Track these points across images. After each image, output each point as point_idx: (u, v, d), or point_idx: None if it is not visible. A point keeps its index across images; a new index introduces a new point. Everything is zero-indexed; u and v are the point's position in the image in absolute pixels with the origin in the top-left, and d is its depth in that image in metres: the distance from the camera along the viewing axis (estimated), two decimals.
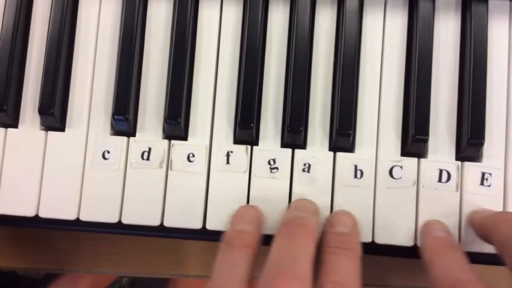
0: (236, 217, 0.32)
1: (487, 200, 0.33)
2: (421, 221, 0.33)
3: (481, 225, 0.31)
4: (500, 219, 0.30)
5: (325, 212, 0.33)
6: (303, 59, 0.33)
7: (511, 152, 0.33)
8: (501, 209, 0.33)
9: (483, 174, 0.33)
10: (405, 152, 0.34)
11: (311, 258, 0.28)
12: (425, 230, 0.32)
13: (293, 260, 0.27)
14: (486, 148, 0.33)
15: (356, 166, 0.33)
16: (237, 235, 0.30)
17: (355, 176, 0.33)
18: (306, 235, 0.29)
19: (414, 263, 0.32)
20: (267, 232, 0.32)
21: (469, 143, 0.33)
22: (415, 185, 0.33)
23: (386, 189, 0.33)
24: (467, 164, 0.33)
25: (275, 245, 0.29)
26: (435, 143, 0.34)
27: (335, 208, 0.33)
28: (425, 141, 0.33)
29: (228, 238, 0.30)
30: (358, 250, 0.30)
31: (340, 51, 0.34)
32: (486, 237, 0.30)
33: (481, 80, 0.33)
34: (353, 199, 0.33)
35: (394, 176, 0.33)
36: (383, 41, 0.34)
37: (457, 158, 0.34)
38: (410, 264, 0.37)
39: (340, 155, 0.33)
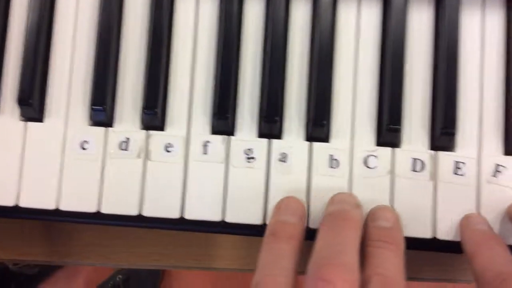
0: (279, 208, 0.32)
1: (461, 189, 0.33)
2: (396, 210, 0.33)
3: None
4: None
5: (305, 199, 0.33)
6: (279, 50, 0.34)
7: (485, 141, 0.34)
8: (473, 198, 0.33)
9: (457, 163, 0.34)
10: (380, 142, 0.34)
11: (356, 249, 0.28)
12: (464, 223, 0.33)
13: (339, 250, 0.28)
14: (460, 138, 0.34)
15: (331, 156, 0.34)
16: (281, 226, 0.31)
17: (331, 166, 0.34)
18: (350, 227, 0.29)
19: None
20: (245, 221, 0.33)
21: (442, 132, 0.33)
22: (390, 175, 0.34)
23: (361, 178, 0.34)
24: (440, 153, 0.34)
25: (320, 238, 0.29)
26: (409, 133, 0.34)
27: (312, 197, 0.34)
28: (398, 130, 0.33)
29: (272, 228, 0.30)
30: (402, 245, 0.30)
31: (315, 42, 0.34)
32: None
33: (453, 70, 0.33)
34: (329, 188, 0.33)
35: (369, 166, 0.34)
36: (358, 33, 0.35)
37: (431, 148, 0.34)
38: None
39: (316, 145, 0.34)
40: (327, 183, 0.34)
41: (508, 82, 0.34)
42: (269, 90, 0.33)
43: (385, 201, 0.33)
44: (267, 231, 0.30)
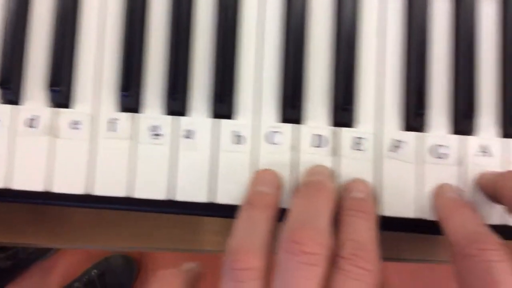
0: (256, 179, 0.33)
1: (361, 164, 0.34)
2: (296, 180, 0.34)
3: (491, 185, 0.32)
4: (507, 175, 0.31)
5: (205, 176, 0.34)
6: (183, 23, 0.35)
7: (385, 117, 0.35)
8: (370, 174, 0.34)
9: (357, 138, 0.35)
10: (283, 119, 0.35)
11: (329, 217, 0.29)
12: (437, 191, 0.33)
13: (312, 216, 0.29)
14: (360, 114, 0.35)
15: (236, 132, 0.35)
16: (258, 195, 0.32)
17: (236, 142, 0.35)
18: (323, 197, 0.30)
19: None
20: (152, 197, 0.34)
21: (342, 108, 0.34)
22: (293, 151, 0.35)
23: (265, 154, 0.35)
24: (342, 129, 0.35)
25: (294, 206, 0.30)
26: (312, 110, 0.35)
27: (219, 173, 0.34)
28: (298, 107, 0.34)
29: (249, 198, 0.31)
30: (374, 214, 0.31)
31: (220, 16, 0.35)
32: (495, 197, 0.32)
33: (352, 49, 0.34)
34: (234, 164, 0.34)
35: (273, 142, 0.35)
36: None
37: (334, 124, 0.35)
38: None
39: (221, 121, 0.35)
40: (232, 159, 0.34)
41: (409, 59, 0.35)
42: (174, 67, 0.34)
43: (286, 175, 0.34)
44: (244, 201, 0.31)
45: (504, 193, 0.30)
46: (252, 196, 0.32)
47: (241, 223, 0.30)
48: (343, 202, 0.32)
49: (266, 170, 0.34)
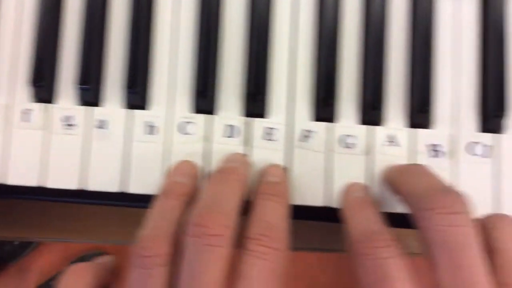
0: (172, 170, 0.34)
1: (271, 153, 0.35)
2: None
3: (390, 179, 0.33)
4: (404, 169, 0.32)
5: (118, 166, 0.35)
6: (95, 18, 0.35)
7: (297, 108, 0.35)
8: (281, 163, 0.35)
9: (268, 129, 0.35)
10: (197, 110, 0.35)
11: (237, 199, 0.30)
12: (345, 191, 0.34)
13: (218, 200, 0.29)
14: (272, 105, 0.35)
15: (149, 123, 0.35)
16: (173, 185, 0.32)
17: (149, 132, 0.35)
18: (232, 180, 0.31)
19: None
20: (64, 186, 0.35)
21: (254, 98, 0.35)
22: (205, 141, 0.35)
23: (178, 144, 0.35)
24: (254, 119, 0.35)
25: (205, 191, 0.30)
26: (225, 101, 0.35)
27: (133, 163, 0.35)
28: (210, 97, 0.35)
29: (164, 188, 0.32)
30: (287, 198, 0.32)
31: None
32: (394, 191, 0.32)
33: (263, 39, 0.35)
34: (147, 154, 0.35)
35: (186, 132, 0.35)
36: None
37: (246, 115, 0.35)
38: None
39: (134, 112, 0.35)
40: (145, 149, 0.35)
41: (319, 50, 0.35)
42: (84, 57, 0.35)
43: (200, 167, 0.35)
44: (159, 191, 0.32)
45: (400, 188, 0.31)
46: (167, 186, 0.32)
47: (153, 212, 0.30)
48: (257, 187, 0.32)
49: (184, 161, 0.34)
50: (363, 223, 0.29)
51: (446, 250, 0.25)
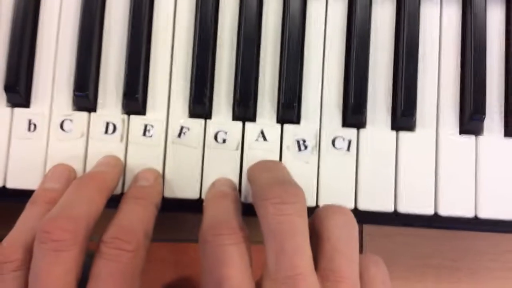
0: (46, 175, 0.35)
1: (149, 149, 0.36)
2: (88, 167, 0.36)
3: (248, 174, 0.34)
4: (257, 165, 0.33)
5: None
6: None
7: (174, 105, 0.37)
8: (159, 159, 0.36)
9: (146, 125, 0.37)
10: (77, 107, 0.37)
11: (90, 205, 0.30)
12: (211, 185, 0.35)
13: (69, 204, 0.30)
14: (150, 103, 0.37)
15: (30, 120, 0.36)
16: (41, 192, 0.33)
17: (28, 130, 0.36)
18: (91, 185, 0.32)
19: None
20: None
21: (129, 97, 0.36)
22: (83, 137, 0.36)
23: (57, 141, 0.36)
24: (132, 116, 0.37)
25: (62, 197, 0.31)
26: (104, 98, 0.37)
27: (10, 158, 0.36)
28: (91, 95, 0.36)
29: (33, 196, 0.33)
30: (154, 199, 0.34)
31: None
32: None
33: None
34: (26, 152, 0.36)
35: (64, 129, 0.36)
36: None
37: (126, 112, 0.37)
38: None
39: (15, 110, 0.36)
40: (27, 146, 0.36)
41: (195, 47, 0.37)
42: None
43: (80, 163, 0.36)
44: (30, 199, 0.33)
45: (250, 181, 0.33)
46: (35, 194, 0.33)
47: (18, 221, 0.31)
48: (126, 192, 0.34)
49: (58, 165, 0.36)
50: (214, 214, 0.31)
51: (273, 236, 0.27)
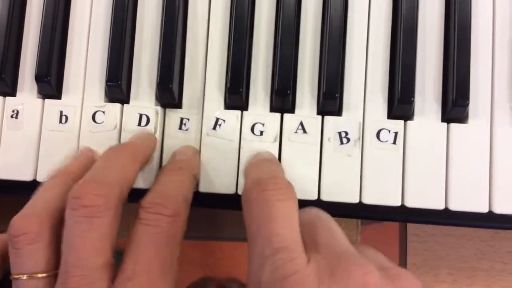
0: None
1: (182, 142, 0.35)
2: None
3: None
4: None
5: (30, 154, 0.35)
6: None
7: (207, 99, 0.35)
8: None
9: (182, 119, 0.35)
10: (110, 99, 0.36)
11: (123, 172, 0.29)
12: (251, 156, 0.34)
13: (102, 171, 0.29)
14: (184, 94, 0.35)
15: (61, 112, 0.35)
16: (63, 167, 0.32)
17: (60, 121, 0.35)
18: (124, 153, 0.31)
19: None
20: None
21: (159, 88, 0.34)
22: (116, 129, 0.35)
23: (88, 133, 0.35)
24: (167, 110, 0.35)
25: (93, 165, 0.30)
26: (136, 91, 0.36)
27: (41, 152, 0.35)
28: (118, 86, 0.34)
29: (53, 171, 0.32)
30: (190, 170, 0.32)
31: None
32: None
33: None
34: (59, 143, 0.35)
35: (97, 121, 0.35)
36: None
37: (161, 105, 0.36)
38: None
39: (47, 101, 0.35)
40: (58, 138, 0.35)
41: (230, 38, 0.35)
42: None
43: None
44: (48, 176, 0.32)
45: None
46: (55, 169, 0.32)
47: (33, 195, 0.30)
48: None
49: (84, 147, 0.35)
50: (258, 173, 0.29)
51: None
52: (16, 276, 0.27)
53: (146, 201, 0.28)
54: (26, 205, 0.29)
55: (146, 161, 0.33)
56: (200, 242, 0.44)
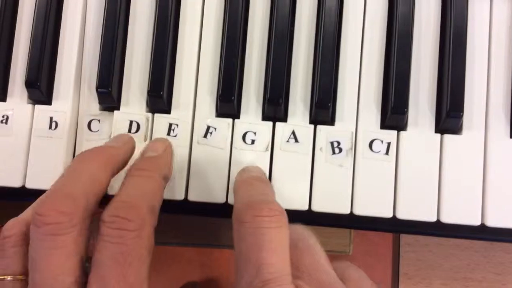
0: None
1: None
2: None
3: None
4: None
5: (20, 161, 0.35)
6: None
7: (199, 105, 0.35)
8: (183, 161, 0.34)
9: (171, 124, 0.35)
10: (103, 107, 0.35)
11: (92, 182, 0.27)
12: (240, 171, 0.33)
13: (68, 183, 0.27)
14: (175, 101, 0.35)
15: (51, 118, 0.35)
16: None
17: (50, 128, 0.35)
18: (94, 160, 0.28)
19: None
20: None
21: (149, 95, 0.34)
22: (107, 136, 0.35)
23: (85, 141, 0.35)
24: (156, 115, 0.35)
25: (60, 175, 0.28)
26: (127, 98, 0.35)
27: (30, 157, 0.35)
28: (108, 93, 0.34)
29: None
30: (162, 170, 0.30)
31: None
32: None
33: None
34: (48, 149, 0.35)
35: (93, 129, 0.35)
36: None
37: (150, 110, 0.35)
38: None
39: (37, 107, 0.35)
40: (47, 144, 0.35)
41: (222, 46, 0.35)
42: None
43: None
44: None
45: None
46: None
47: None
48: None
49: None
50: (249, 194, 0.28)
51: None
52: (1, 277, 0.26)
53: (107, 214, 0.25)
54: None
55: (121, 167, 0.31)
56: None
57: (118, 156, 0.30)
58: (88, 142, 0.35)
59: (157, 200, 0.28)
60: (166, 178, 0.31)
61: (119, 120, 0.35)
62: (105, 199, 0.27)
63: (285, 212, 0.26)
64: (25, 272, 0.26)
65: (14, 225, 0.27)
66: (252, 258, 0.24)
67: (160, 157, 0.31)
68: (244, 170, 0.33)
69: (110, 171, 0.29)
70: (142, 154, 0.31)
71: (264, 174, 0.33)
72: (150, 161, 0.30)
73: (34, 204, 0.29)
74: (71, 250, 0.25)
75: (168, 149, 0.32)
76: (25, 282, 0.26)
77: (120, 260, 0.24)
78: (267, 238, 0.25)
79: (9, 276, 0.26)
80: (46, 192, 0.27)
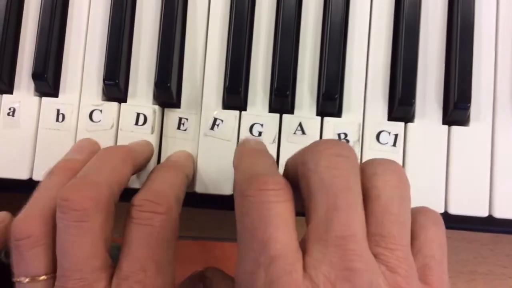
0: (71, 148, 0.33)
1: (183, 143, 0.34)
2: None
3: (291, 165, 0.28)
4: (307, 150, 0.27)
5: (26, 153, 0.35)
6: None
7: (205, 95, 0.35)
8: (191, 151, 0.34)
9: (180, 118, 0.35)
10: (108, 98, 0.35)
11: (114, 173, 0.28)
12: (239, 144, 0.33)
13: (92, 172, 0.28)
14: (183, 93, 0.35)
15: (58, 110, 0.35)
16: (62, 163, 0.31)
17: (57, 120, 0.35)
18: (115, 154, 0.30)
19: None
20: None
21: (156, 86, 0.34)
22: (113, 128, 0.35)
23: (85, 131, 0.35)
24: (166, 109, 0.35)
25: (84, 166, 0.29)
26: (134, 90, 0.35)
27: (37, 149, 0.35)
28: (115, 85, 0.34)
29: (52, 167, 0.30)
30: (186, 170, 0.32)
31: None
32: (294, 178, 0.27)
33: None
34: (54, 141, 0.35)
35: (94, 120, 0.35)
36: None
37: (157, 103, 0.35)
38: None
39: (44, 99, 0.35)
40: (54, 136, 0.35)
41: (229, 36, 0.35)
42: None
43: None
44: (47, 172, 0.30)
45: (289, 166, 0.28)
46: (55, 165, 0.31)
47: (34, 193, 0.29)
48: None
49: (83, 139, 0.34)
50: (251, 167, 0.26)
51: (325, 192, 0.23)
52: (18, 279, 0.27)
53: (138, 199, 0.27)
54: (28, 205, 0.28)
55: (140, 166, 0.32)
56: (198, 242, 0.44)
57: (139, 155, 0.32)
58: (89, 132, 0.35)
59: (182, 192, 0.30)
60: (188, 177, 0.32)
61: (126, 112, 0.35)
62: (126, 194, 0.29)
63: (290, 186, 0.25)
64: (43, 273, 0.26)
65: (30, 224, 0.27)
66: (258, 234, 0.23)
67: (183, 160, 0.33)
68: (243, 142, 0.31)
69: (130, 166, 0.30)
70: (167, 158, 0.34)
71: (265, 146, 0.31)
72: (174, 161, 0.33)
73: (50, 194, 0.28)
74: (96, 236, 0.26)
75: (190, 157, 0.34)
76: (41, 282, 0.26)
77: (149, 240, 0.26)
78: (273, 213, 0.23)
79: (27, 278, 0.26)
80: (69, 182, 0.27)
